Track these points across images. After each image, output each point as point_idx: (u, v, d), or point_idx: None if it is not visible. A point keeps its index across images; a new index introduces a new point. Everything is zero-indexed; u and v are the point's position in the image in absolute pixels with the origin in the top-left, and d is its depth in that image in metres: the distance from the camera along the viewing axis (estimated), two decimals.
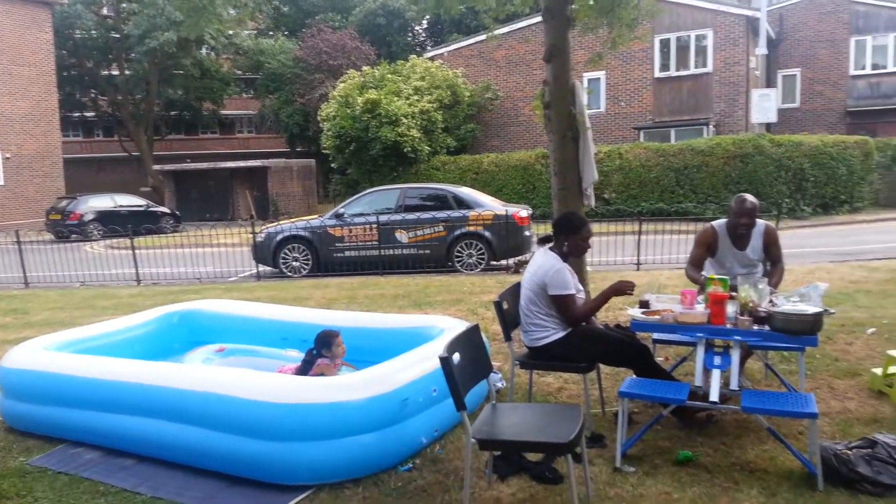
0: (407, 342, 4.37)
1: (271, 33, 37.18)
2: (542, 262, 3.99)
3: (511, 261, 11.21)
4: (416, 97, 21.16)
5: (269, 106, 33.94)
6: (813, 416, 3.15)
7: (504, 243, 11.08)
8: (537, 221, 12.12)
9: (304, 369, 4.52)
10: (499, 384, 4.76)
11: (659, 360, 4.68)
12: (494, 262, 11.28)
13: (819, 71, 25.73)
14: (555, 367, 4.29)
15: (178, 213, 24.94)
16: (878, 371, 4.43)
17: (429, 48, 30.70)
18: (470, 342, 3.27)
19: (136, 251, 12.06)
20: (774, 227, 4.61)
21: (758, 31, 19.29)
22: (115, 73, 34.21)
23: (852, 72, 25.31)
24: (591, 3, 7.08)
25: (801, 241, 13.43)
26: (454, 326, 4.52)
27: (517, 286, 4.34)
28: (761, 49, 19.40)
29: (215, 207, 27.52)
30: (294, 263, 11.67)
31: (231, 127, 44.48)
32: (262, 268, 11.72)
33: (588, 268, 10.38)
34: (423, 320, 5.15)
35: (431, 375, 3.70)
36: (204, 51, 34.42)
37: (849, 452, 3.18)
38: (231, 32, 30.37)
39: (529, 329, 4.02)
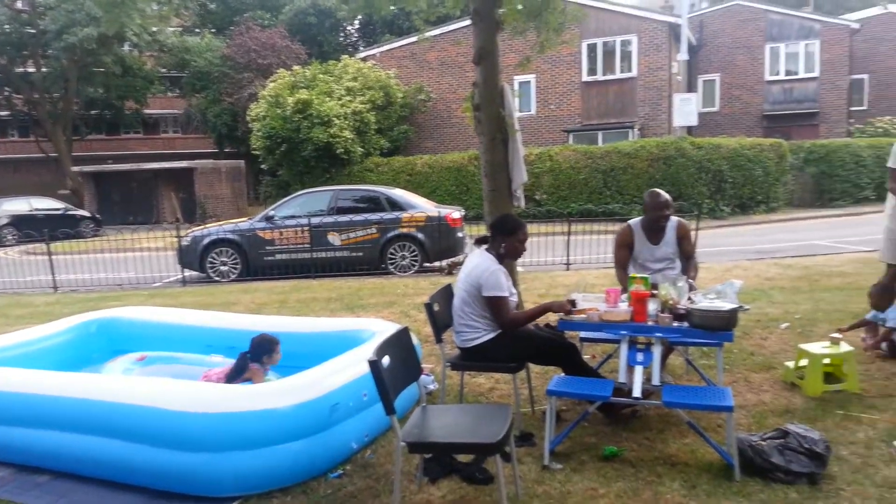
0: (338, 346, 4.33)
1: (198, 31, 36.12)
2: (478, 263, 4.02)
3: (444, 262, 11.26)
4: (348, 98, 20.98)
5: (195, 105, 32.98)
6: (729, 409, 3.28)
7: (437, 245, 11.11)
8: (470, 223, 12.23)
9: (234, 376, 4.42)
10: (431, 386, 4.77)
11: (587, 358, 4.78)
12: (428, 264, 11.30)
13: (737, 76, 26.90)
14: (485, 368, 4.33)
15: (98, 216, 23.96)
16: (791, 364, 4.65)
17: (361, 48, 30.48)
18: (400, 345, 3.26)
19: (54, 257, 11.50)
20: (685, 221, 4.79)
21: (679, 37, 20.01)
22: (31, 70, 32.47)
23: (768, 77, 26.58)
24: (520, 7, 7.19)
25: (720, 239, 14.01)
26: (386, 329, 4.50)
27: (448, 288, 4.36)
28: (683, 55, 20.14)
29: (138, 210, 26.57)
30: (222, 268, 11.38)
31: (155, 127, 42.98)
32: (188, 273, 11.38)
33: (519, 268, 10.53)
34: (354, 324, 5.11)
35: (362, 380, 3.68)
36: (126, 47, 33.10)
37: (763, 443, 3.33)
38: (155, 29, 29.34)
39: (461, 330, 4.04)
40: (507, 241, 4.07)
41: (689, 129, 22.48)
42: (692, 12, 30.35)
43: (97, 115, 35.96)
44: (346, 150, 20.25)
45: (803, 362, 4.52)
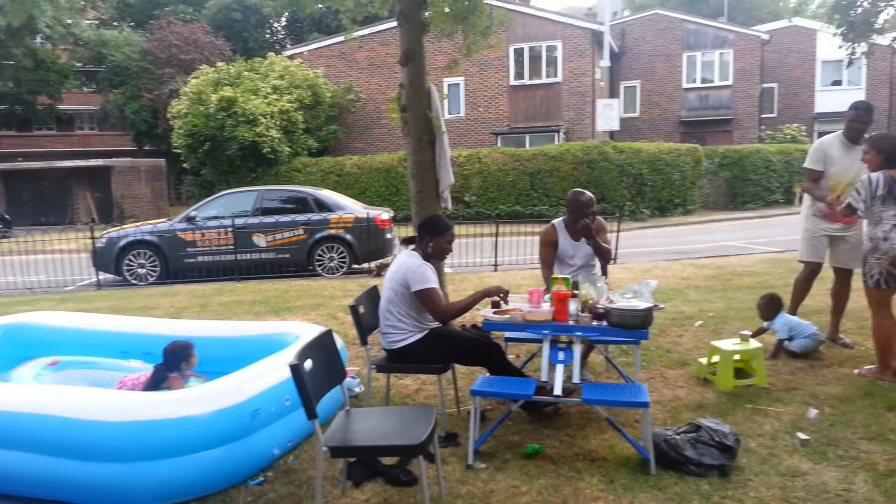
0: (260, 350, 4.24)
1: (115, 24, 34.67)
2: (404, 262, 4.02)
3: (373, 264, 11.20)
4: (275, 96, 20.58)
5: (112, 101, 31.66)
6: (645, 405, 3.40)
7: (366, 246, 11.04)
8: (400, 224, 12.19)
9: (152, 388, 4.25)
10: (357, 389, 4.74)
11: (511, 357, 4.86)
12: (356, 266, 11.21)
13: (656, 83, 27.90)
14: (412, 370, 4.33)
15: (7, 216, 22.69)
16: (704, 360, 4.86)
17: (288, 46, 29.99)
18: (323, 348, 3.23)
19: None
20: (601, 219, 4.93)
21: (602, 44, 20.59)
22: None
23: (685, 84, 27.69)
24: (447, 9, 7.24)
25: (640, 241, 14.49)
26: (310, 332, 4.44)
27: (375, 289, 4.35)
28: (605, 62, 20.74)
29: (51, 211, 25.29)
30: (139, 270, 10.96)
31: (70, 123, 40.99)
32: (103, 276, 10.91)
33: (448, 269, 10.58)
34: (277, 327, 5.02)
35: (284, 384, 3.61)
36: (39, 40, 31.42)
37: (677, 437, 3.46)
38: (69, 21, 27.98)
39: (387, 331, 4.03)
40: (434, 241, 4.09)
41: (612, 134, 23.20)
42: (615, 20, 31.33)
43: (6, 110, 33.98)
44: (273, 149, 19.87)
45: (715, 359, 4.73)
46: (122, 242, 10.93)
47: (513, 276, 9.52)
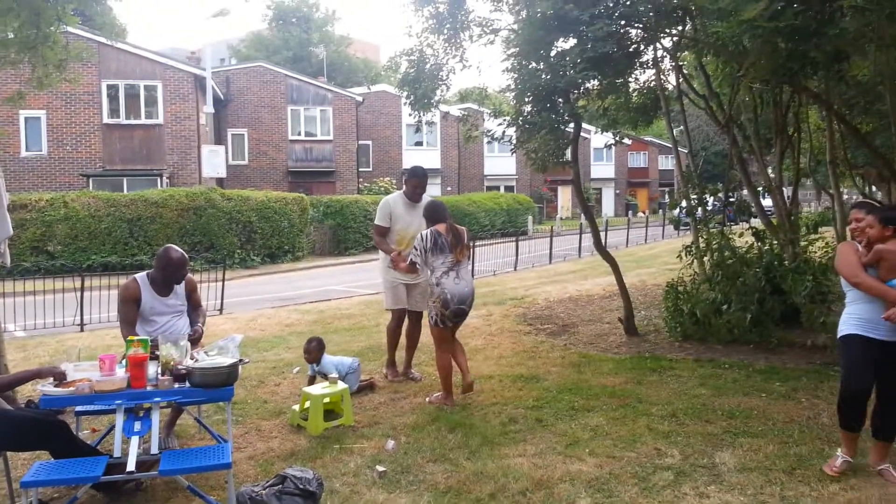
0: None
1: None
2: None
3: None
4: None
5: None
6: (227, 466, 3.32)
7: None
8: None
9: None
10: None
11: (85, 433, 4.31)
12: None
13: (264, 133, 28.53)
14: None
15: None
16: (297, 407, 4.98)
17: None
18: None
19: None
20: (192, 276, 4.80)
21: (206, 89, 20.26)
22: None
23: (291, 136, 28.87)
24: (10, 35, 6.33)
25: (251, 288, 14.45)
26: None
27: None
28: (209, 107, 20.47)
29: None
30: None
31: None
32: None
33: (21, 332, 9.07)
34: None
35: None
36: None
37: (263, 492, 3.44)
38: None
39: None
40: None
41: (221, 181, 22.85)
42: (220, 67, 31.26)
43: None
44: None
45: (308, 404, 4.89)
46: None
47: (103, 337, 8.59)
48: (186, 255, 4.64)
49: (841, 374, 3.93)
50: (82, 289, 9.76)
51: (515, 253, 16.84)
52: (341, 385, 5.02)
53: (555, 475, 3.92)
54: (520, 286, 12.78)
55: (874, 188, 16.55)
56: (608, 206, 46.99)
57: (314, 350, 5.43)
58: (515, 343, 7.57)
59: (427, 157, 33.96)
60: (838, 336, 3.92)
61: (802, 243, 7.75)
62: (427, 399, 5.42)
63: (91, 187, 20.05)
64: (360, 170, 30.87)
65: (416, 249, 5.18)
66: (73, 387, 3.43)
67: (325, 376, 5.19)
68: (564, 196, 43.03)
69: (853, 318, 3.84)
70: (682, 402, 5.23)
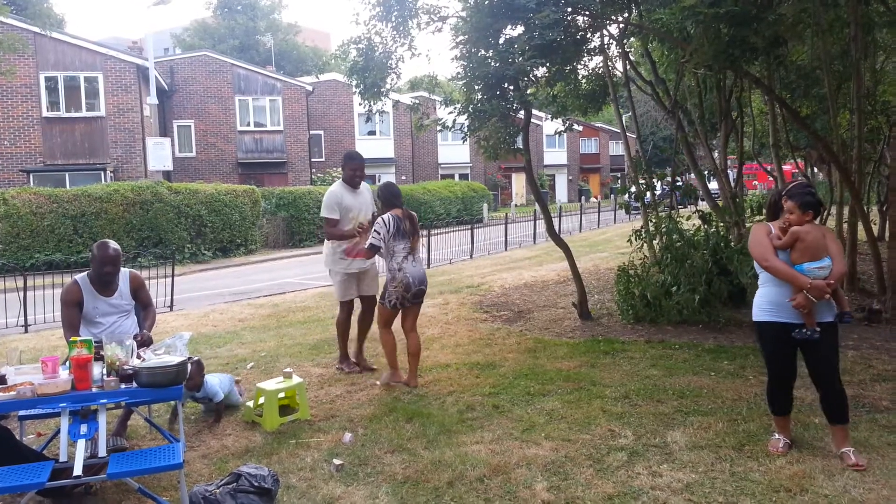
0: None
1: None
2: None
3: None
4: None
5: None
6: (178, 466, 3.25)
7: None
8: None
9: None
10: None
11: (30, 438, 4.17)
12: None
13: (211, 124, 27.86)
14: None
15: None
16: (251, 403, 4.91)
17: None
18: None
19: None
20: (138, 272, 4.68)
21: (149, 80, 19.69)
22: None
23: (240, 127, 28.27)
24: None
25: (202, 283, 14.16)
26: None
27: None
28: (152, 98, 19.89)
29: None
30: None
31: None
32: None
33: None
34: None
35: None
36: None
37: (217, 491, 3.39)
38: None
39: None
40: None
41: (168, 174, 22.28)
42: (164, 57, 30.41)
43: None
44: None
45: (262, 400, 4.82)
46: None
47: (48, 338, 8.30)
48: (119, 249, 4.44)
49: (764, 362, 4.06)
50: (25, 288, 9.42)
51: (471, 241, 16.89)
52: (297, 379, 4.97)
53: (511, 460, 3.96)
54: (476, 274, 12.83)
55: (815, 169, 17.13)
56: (561, 192, 47.51)
57: (193, 377, 4.41)
58: (472, 331, 7.60)
59: (380, 146, 33.74)
60: (753, 319, 3.99)
61: (748, 225, 7.97)
62: (377, 383, 5.43)
63: (32, 183, 19.32)
64: (313, 160, 30.47)
65: (378, 234, 5.19)
66: (14, 391, 3.31)
67: (210, 400, 4.78)
68: (518, 183, 43.31)
69: (765, 301, 3.90)
70: (635, 383, 5.34)
